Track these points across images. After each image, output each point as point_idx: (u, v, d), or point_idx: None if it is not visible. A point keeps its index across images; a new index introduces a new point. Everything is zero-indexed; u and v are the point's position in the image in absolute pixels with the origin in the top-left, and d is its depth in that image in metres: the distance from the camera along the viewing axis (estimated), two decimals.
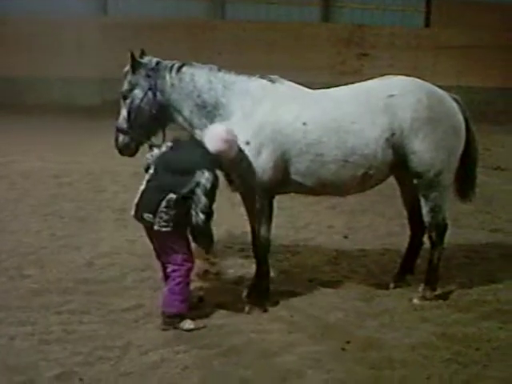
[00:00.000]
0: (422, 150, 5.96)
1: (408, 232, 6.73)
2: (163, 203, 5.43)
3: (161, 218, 5.45)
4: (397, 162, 6.02)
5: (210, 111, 5.91)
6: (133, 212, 5.69)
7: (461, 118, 6.23)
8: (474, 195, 6.71)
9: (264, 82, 6.07)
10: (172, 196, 5.42)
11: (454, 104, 6.27)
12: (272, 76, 6.15)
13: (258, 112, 5.87)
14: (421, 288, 6.30)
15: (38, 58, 19.25)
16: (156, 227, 5.48)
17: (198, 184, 5.39)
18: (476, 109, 21.86)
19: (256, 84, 6.03)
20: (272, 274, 6.39)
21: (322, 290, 6.48)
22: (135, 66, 5.95)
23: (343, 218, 9.06)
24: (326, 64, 20.99)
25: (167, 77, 5.95)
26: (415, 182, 6.12)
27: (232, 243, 7.79)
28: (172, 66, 5.99)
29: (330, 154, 5.88)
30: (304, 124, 5.86)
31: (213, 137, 5.57)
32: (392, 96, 5.97)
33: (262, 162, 5.80)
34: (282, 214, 8.46)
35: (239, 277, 6.75)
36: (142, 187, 5.67)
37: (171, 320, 5.57)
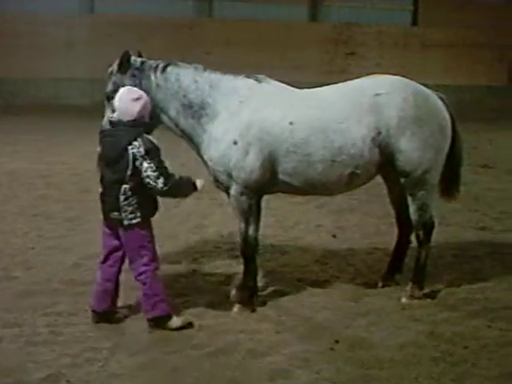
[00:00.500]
0: (408, 149, 5.96)
1: (396, 231, 6.74)
2: (121, 197, 5.39)
3: (126, 211, 5.41)
4: (384, 161, 6.01)
5: (197, 111, 5.88)
6: (103, 217, 5.62)
7: (447, 116, 6.24)
8: (459, 194, 6.71)
9: (250, 81, 6.04)
10: (125, 186, 5.38)
11: (440, 103, 6.27)
12: (258, 75, 6.13)
13: (244, 111, 5.84)
14: (409, 287, 6.31)
15: (25, 58, 19.21)
16: (126, 222, 5.44)
17: (134, 157, 5.32)
18: (463, 107, 22.02)
19: (242, 83, 6.00)
20: (260, 273, 6.38)
21: (310, 290, 6.48)
22: (123, 65, 5.90)
23: (331, 218, 9.07)
24: (313, 63, 21.06)
25: (152, 77, 5.91)
26: (402, 180, 6.13)
27: (220, 243, 7.78)
28: (157, 66, 5.95)
29: (317, 153, 5.86)
30: (291, 123, 5.83)
31: (122, 104, 5.45)
32: (378, 95, 5.96)
33: (250, 162, 5.78)
34: (271, 213, 8.47)
35: (227, 277, 6.73)
36: (100, 190, 5.63)
37: (158, 322, 5.55)
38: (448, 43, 22.28)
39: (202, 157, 6.04)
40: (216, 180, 6.03)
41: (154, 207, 5.63)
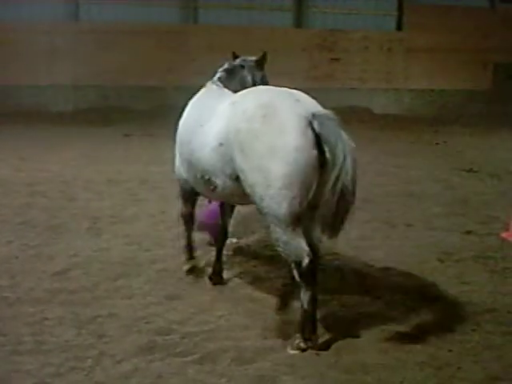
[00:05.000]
0: (244, 169, 5.26)
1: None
2: None
3: None
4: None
5: None
6: None
7: (296, 143, 5.02)
8: (336, 234, 5.28)
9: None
10: None
11: (295, 125, 5.06)
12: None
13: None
14: (297, 340, 5.38)
15: (8, 65, 19.15)
16: None
17: None
18: (449, 111, 22.28)
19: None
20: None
21: (295, 295, 6.46)
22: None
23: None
24: (298, 69, 21.09)
25: None
26: None
27: (207, 250, 7.76)
28: None
29: (182, 152, 6.31)
30: (182, 124, 6.41)
31: None
32: (233, 103, 5.57)
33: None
34: (258, 219, 8.45)
35: (214, 284, 6.73)
36: None
37: None
38: (432, 48, 22.38)
39: None
40: None
41: None
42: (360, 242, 8.08)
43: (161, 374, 4.94)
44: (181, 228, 7.14)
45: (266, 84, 6.58)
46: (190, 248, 7.06)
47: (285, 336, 5.59)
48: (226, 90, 6.32)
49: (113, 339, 5.49)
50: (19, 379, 4.84)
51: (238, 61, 6.78)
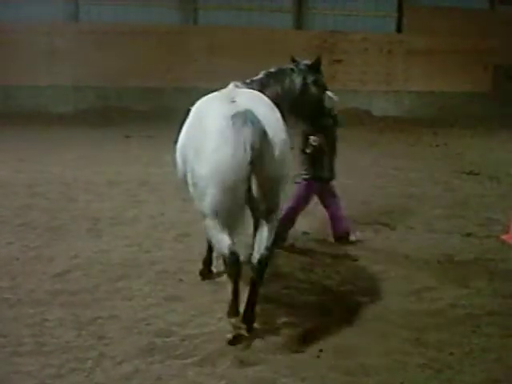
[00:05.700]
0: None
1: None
2: None
3: None
4: None
5: None
6: None
7: (209, 142, 5.31)
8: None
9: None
10: None
11: (213, 124, 5.34)
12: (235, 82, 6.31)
13: None
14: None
15: (8, 65, 19.16)
16: None
17: None
18: (448, 113, 22.23)
19: None
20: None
21: (295, 298, 6.48)
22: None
23: (318, 225, 9.05)
24: None
25: None
26: None
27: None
28: None
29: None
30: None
31: None
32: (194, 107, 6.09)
33: None
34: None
35: (214, 286, 6.73)
36: None
37: None
38: (432, 50, 22.37)
39: None
40: None
41: None
42: (360, 243, 8.08)
43: (160, 376, 4.94)
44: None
45: (320, 86, 6.88)
46: (209, 262, 7.02)
47: (285, 338, 5.59)
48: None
49: (113, 341, 5.50)
50: (19, 380, 4.85)
51: (290, 64, 6.81)
